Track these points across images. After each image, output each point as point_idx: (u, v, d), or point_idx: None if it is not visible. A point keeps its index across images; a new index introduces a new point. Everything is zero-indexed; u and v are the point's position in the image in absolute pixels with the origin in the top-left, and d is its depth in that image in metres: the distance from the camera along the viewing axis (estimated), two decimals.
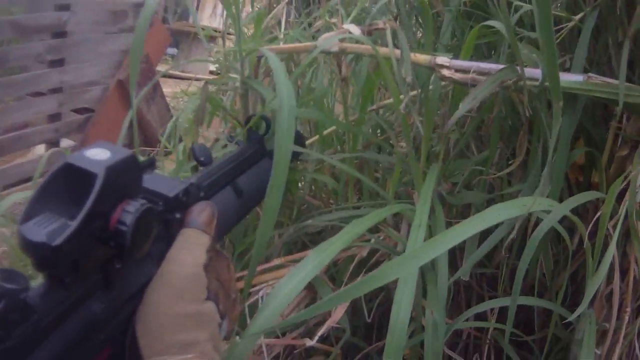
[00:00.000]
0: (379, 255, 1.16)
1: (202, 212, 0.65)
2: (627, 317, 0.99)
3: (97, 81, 3.61)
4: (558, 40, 1.11)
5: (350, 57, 1.33)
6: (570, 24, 1.08)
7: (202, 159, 0.82)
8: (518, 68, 0.91)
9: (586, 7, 1.05)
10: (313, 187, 1.42)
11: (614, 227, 0.94)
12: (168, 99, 4.05)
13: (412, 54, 1.01)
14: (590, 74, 0.96)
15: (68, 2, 3.26)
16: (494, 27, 1.00)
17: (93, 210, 0.48)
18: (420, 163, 1.10)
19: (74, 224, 0.47)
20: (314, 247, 0.86)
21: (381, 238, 1.15)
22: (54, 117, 3.46)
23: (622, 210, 0.95)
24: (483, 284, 1.29)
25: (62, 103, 3.43)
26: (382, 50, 1.03)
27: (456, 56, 1.01)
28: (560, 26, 1.10)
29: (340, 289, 0.85)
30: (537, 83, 0.93)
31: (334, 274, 1.22)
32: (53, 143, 3.53)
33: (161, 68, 4.12)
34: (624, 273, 1.01)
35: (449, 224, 1.14)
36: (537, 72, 0.94)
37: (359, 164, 1.34)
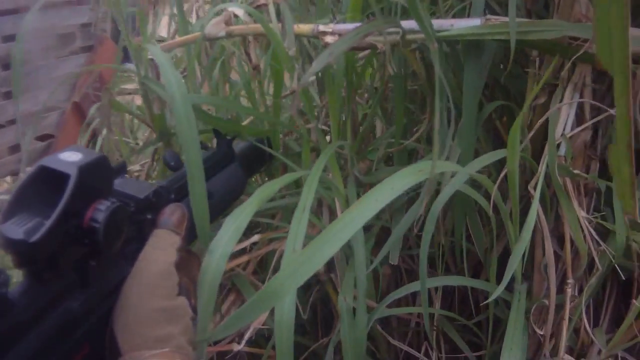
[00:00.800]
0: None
1: (173, 214, 0.69)
2: (569, 290, 0.86)
3: (54, 106, 3.54)
4: None
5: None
6: None
7: (172, 163, 0.86)
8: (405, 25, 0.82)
9: None
10: None
11: (535, 187, 0.84)
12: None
13: (295, 26, 0.93)
14: (488, 16, 0.87)
15: (14, 32, 3.20)
16: None
17: (67, 209, 0.51)
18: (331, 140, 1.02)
19: (49, 222, 0.50)
20: None
21: None
22: (15, 148, 3.40)
23: (542, 167, 0.85)
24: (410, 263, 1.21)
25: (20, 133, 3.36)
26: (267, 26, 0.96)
27: None
28: None
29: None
30: (422, 35, 0.83)
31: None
32: (17, 174, 3.48)
33: (125, 85, 4.08)
34: (561, 239, 0.89)
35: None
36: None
37: (283, 151, 1.26)
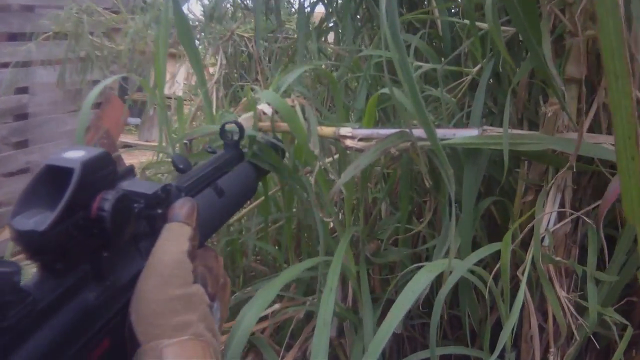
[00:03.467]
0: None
1: (182, 207, 0.70)
2: (552, 358, 1.02)
3: None
4: (459, 93, 1.18)
5: None
6: (468, 78, 1.15)
7: (181, 166, 0.85)
8: (408, 131, 0.97)
9: (482, 59, 1.11)
10: (257, 254, 1.48)
11: (523, 273, 0.99)
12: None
13: (319, 127, 1.07)
14: (485, 127, 1.02)
15: (26, 84, 3.33)
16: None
17: (73, 200, 0.52)
18: (345, 224, 1.15)
19: (56, 211, 0.51)
20: None
21: (316, 300, 1.20)
22: None
23: (528, 257, 1.00)
24: (426, 334, 1.34)
25: None
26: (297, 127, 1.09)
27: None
28: (460, 81, 1.17)
29: None
30: (428, 142, 0.97)
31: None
32: None
33: (125, 139, 4.16)
34: (545, 314, 1.06)
35: (384, 281, 1.20)
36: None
37: (297, 227, 1.39)
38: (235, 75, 2.93)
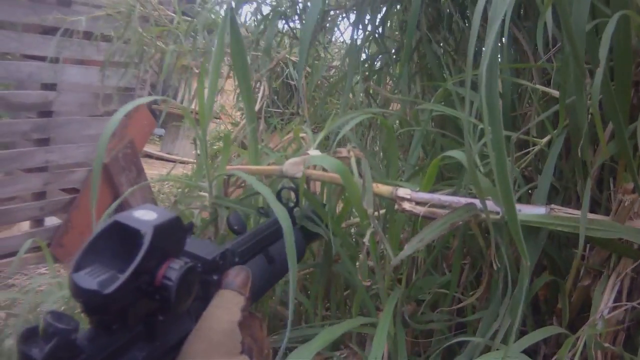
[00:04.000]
0: None
1: (237, 275, 0.72)
2: None
3: (83, 163, 3.62)
4: (524, 164, 1.13)
5: None
6: (536, 148, 1.09)
7: (236, 227, 0.87)
8: (478, 203, 0.92)
9: (553, 130, 1.06)
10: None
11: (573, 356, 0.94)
12: (153, 181, 4.08)
13: (374, 185, 1.02)
14: (552, 206, 0.97)
15: (54, 82, 3.31)
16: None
17: (141, 265, 0.53)
18: (385, 283, 1.10)
19: (124, 276, 0.51)
20: None
21: (343, 356, 1.15)
22: (40, 195, 3.48)
23: (580, 343, 0.95)
24: None
25: (47, 182, 3.44)
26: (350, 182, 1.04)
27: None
28: (527, 150, 1.12)
29: None
30: (498, 217, 0.93)
31: None
32: (38, 220, 3.55)
33: (148, 149, 4.15)
34: None
35: (415, 344, 1.15)
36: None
37: (328, 279, 1.34)
38: (278, 106, 2.89)
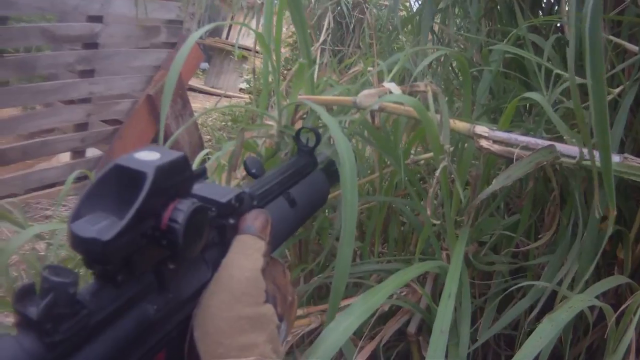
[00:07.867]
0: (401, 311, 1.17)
1: (256, 219, 0.67)
2: None
3: (127, 94, 3.65)
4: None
5: None
6: (609, 97, 1.08)
7: (253, 170, 0.83)
8: (557, 147, 0.91)
9: (626, 81, 1.05)
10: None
11: (635, 312, 0.93)
12: (197, 114, 4.08)
13: (451, 120, 1.01)
14: (626, 155, 0.96)
15: (101, 14, 3.31)
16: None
17: (143, 208, 0.49)
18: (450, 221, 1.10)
19: (124, 221, 0.47)
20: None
21: (403, 294, 1.16)
22: (81, 127, 3.52)
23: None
24: (501, 343, 1.30)
25: (90, 113, 3.48)
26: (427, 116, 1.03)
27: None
28: None
29: None
30: (574, 161, 0.93)
31: None
32: (79, 152, 3.59)
33: (191, 83, 4.15)
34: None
35: (471, 284, 1.16)
36: (574, 150, 0.93)
37: (387, 216, 1.34)
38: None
